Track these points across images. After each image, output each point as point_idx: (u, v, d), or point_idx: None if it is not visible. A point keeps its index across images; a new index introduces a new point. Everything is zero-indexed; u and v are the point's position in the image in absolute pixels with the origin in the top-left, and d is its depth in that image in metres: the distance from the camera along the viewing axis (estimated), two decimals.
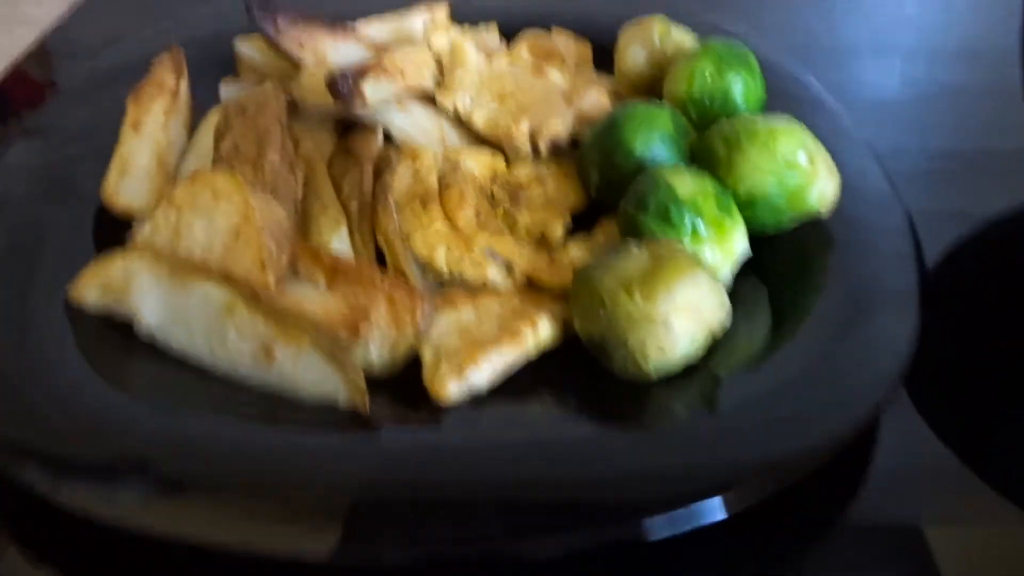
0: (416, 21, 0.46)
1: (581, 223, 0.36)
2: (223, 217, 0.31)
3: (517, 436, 0.27)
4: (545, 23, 0.47)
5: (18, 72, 0.51)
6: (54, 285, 0.31)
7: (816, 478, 0.26)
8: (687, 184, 0.31)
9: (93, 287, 0.31)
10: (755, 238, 0.32)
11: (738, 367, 0.29)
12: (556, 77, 0.42)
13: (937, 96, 0.48)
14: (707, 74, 0.37)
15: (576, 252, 0.34)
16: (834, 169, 0.33)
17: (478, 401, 0.28)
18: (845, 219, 0.34)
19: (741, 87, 0.37)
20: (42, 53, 0.53)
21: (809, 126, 0.34)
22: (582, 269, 0.29)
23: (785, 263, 0.33)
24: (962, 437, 0.30)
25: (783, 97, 0.40)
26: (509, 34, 0.46)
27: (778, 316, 0.31)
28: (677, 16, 0.42)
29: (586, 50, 0.47)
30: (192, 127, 0.41)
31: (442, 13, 0.47)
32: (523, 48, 0.45)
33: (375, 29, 0.45)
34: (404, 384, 0.29)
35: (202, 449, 0.27)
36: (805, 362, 0.28)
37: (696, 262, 0.28)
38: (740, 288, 0.32)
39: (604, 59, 0.43)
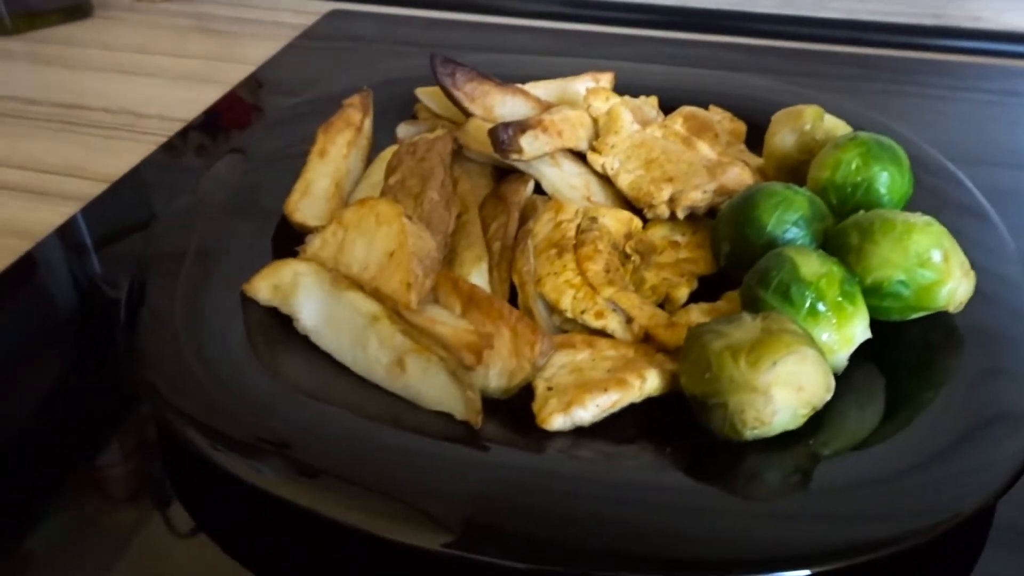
0: (581, 86, 0.50)
1: (706, 291, 0.37)
2: (382, 240, 0.35)
3: (610, 473, 0.28)
4: (705, 101, 0.49)
5: (232, 97, 0.59)
6: (232, 281, 0.36)
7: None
8: (812, 265, 0.32)
9: (265, 286, 0.35)
10: (878, 323, 0.33)
11: (838, 448, 0.29)
12: (705, 150, 0.44)
13: None
14: (853, 164, 0.37)
15: (696, 316, 0.35)
16: (969, 271, 0.33)
17: (579, 432, 0.30)
18: (975, 321, 0.33)
19: (886, 179, 0.37)
20: (253, 84, 0.61)
21: (955, 225, 0.34)
22: (695, 328, 0.31)
23: (906, 353, 0.33)
24: None
25: (933, 194, 0.40)
26: (668, 109, 0.49)
27: (890, 406, 0.31)
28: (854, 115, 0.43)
29: (740, 128, 0.48)
30: (369, 160, 0.46)
31: (606, 80, 0.50)
32: (678, 120, 0.47)
33: (542, 90, 0.49)
34: (514, 407, 0.31)
35: (333, 440, 0.30)
36: (906, 458, 0.28)
37: (806, 340, 0.29)
38: (856, 371, 0.32)
39: (757, 140, 0.45)
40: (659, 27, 0.69)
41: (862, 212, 0.35)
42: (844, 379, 0.32)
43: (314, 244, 0.37)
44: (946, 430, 0.30)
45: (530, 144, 0.41)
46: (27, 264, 0.43)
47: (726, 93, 0.50)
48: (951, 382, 0.32)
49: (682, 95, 0.50)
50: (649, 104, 0.49)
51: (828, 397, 0.29)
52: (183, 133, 0.54)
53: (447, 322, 0.32)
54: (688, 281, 0.37)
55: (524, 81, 0.49)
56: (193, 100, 0.58)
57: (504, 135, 0.40)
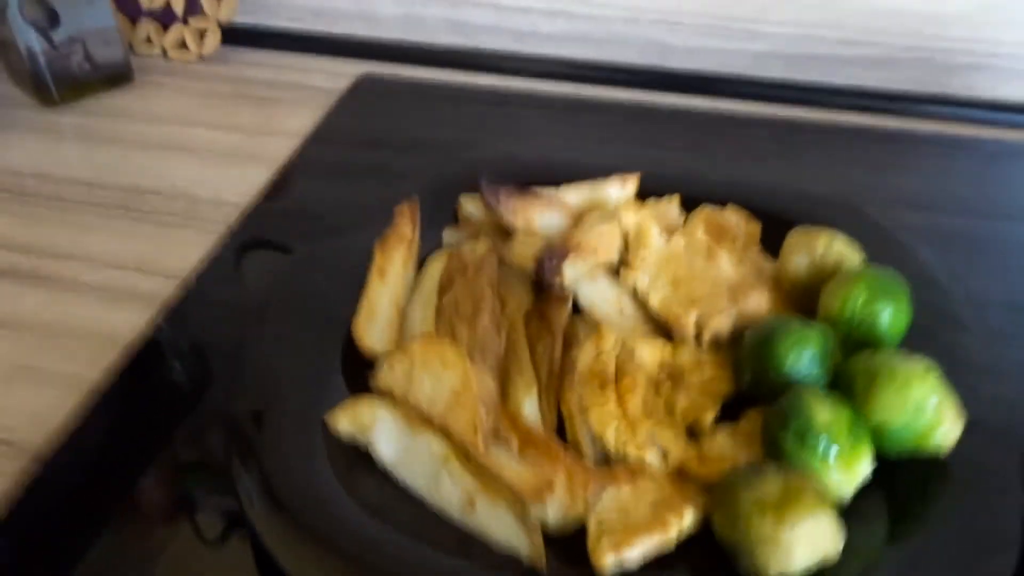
0: (609, 189, 0.54)
1: (728, 407, 0.43)
2: (448, 381, 0.40)
3: None
4: (723, 199, 0.54)
5: (280, 183, 0.63)
6: (315, 410, 0.41)
7: None
8: (825, 413, 0.37)
9: (346, 420, 0.40)
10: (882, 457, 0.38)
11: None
12: (725, 263, 0.49)
13: None
14: (859, 301, 0.42)
15: (723, 440, 0.40)
16: (959, 415, 0.38)
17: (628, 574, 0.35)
18: (964, 457, 0.39)
19: (888, 317, 0.42)
20: (298, 169, 0.65)
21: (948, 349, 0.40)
22: (726, 480, 0.36)
23: (904, 485, 0.39)
24: None
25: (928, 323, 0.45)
26: (690, 204, 0.54)
27: (893, 535, 0.37)
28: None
29: (755, 230, 0.53)
30: (418, 263, 0.51)
31: (632, 184, 0.55)
32: (699, 225, 0.52)
33: (574, 195, 0.54)
34: (572, 544, 0.36)
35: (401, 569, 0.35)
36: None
37: (821, 500, 0.34)
38: (862, 501, 0.38)
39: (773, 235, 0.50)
40: (653, 88, 0.74)
41: (868, 354, 0.40)
42: (852, 508, 0.37)
43: (383, 372, 0.42)
44: (940, 552, 0.35)
45: (572, 270, 0.46)
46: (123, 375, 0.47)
47: (740, 194, 0.55)
48: (945, 510, 0.37)
49: (701, 193, 0.54)
50: (672, 204, 0.54)
51: (839, 549, 0.34)
52: (240, 225, 0.58)
53: (510, 464, 0.37)
54: (714, 404, 0.42)
55: (557, 184, 0.53)
56: (243, 180, 0.62)
57: (548, 266, 0.45)
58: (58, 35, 0.69)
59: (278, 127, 0.69)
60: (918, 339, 0.43)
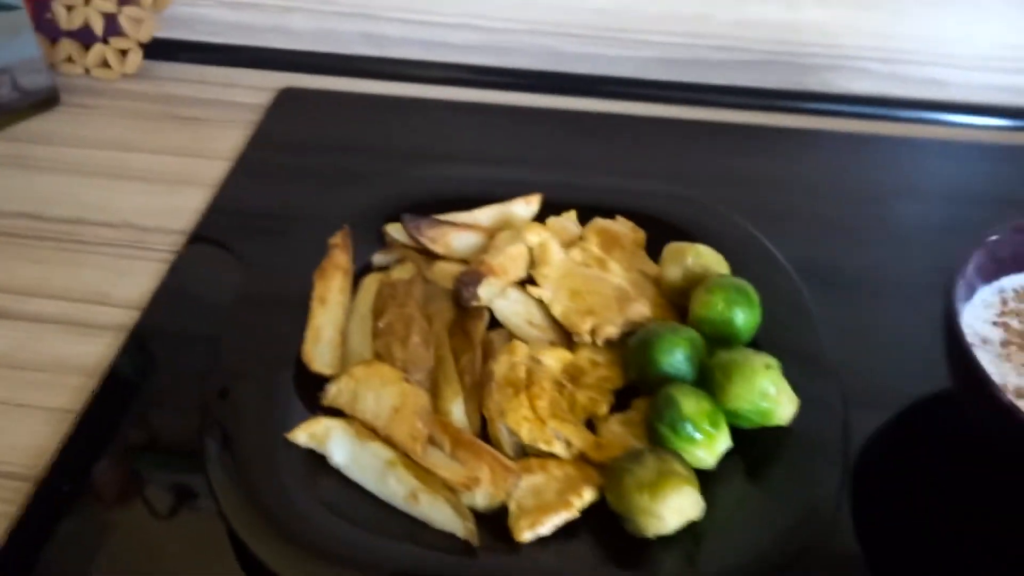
0: (516, 207, 0.63)
1: (620, 396, 0.52)
2: (388, 398, 0.48)
3: (566, 566, 0.44)
4: (612, 211, 0.63)
5: (217, 209, 0.69)
6: (276, 428, 0.49)
7: None
8: (690, 405, 0.47)
9: (304, 435, 0.48)
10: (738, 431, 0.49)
11: (707, 530, 0.45)
12: (616, 270, 0.58)
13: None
14: (719, 306, 0.52)
15: (616, 427, 0.50)
16: (793, 398, 0.49)
17: (543, 540, 0.45)
18: (798, 430, 0.50)
19: (742, 318, 0.52)
20: (232, 192, 0.70)
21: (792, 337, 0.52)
22: (614, 464, 0.46)
23: (755, 450, 0.49)
24: None
25: (781, 320, 0.56)
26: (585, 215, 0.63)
27: (745, 491, 0.48)
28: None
29: (641, 238, 0.63)
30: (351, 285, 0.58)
31: (536, 202, 0.63)
32: (593, 237, 0.61)
33: (485, 216, 0.62)
34: (498, 520, 0.46)
35: (359, 555, 0.44)
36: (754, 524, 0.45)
37: (685, 479, 0.44)
38: (725, 464, 0.48)
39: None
40: (550, 92, 0.82)
41: (724, 352, 0.50)
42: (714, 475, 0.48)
43: (332, 392, 0.50)
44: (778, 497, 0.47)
45: (486, 291, 0.54)
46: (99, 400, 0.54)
47: (629, 205, 0.64)
48: (782, 469, 0.48)
49: (594, 207, 0.64)
50: (570, 219, 0.63)
51: (701, 513, 0.45)
52: (186, 251, 0.64)
53: (445, 464, 0.46)
54: (607, 399, 0.52)
55: (469, 207, 0.62)
56: (183, 208, 0.68)
57: (466, 292, 0.53)
58: None
59: (208, 148, 0.74)
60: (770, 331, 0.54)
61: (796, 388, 0.50)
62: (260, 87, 0.82)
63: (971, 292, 0.53)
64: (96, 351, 0.57)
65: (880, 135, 0.79)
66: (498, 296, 0.56)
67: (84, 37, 0.81)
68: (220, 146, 0.74)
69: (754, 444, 0.49)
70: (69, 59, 0.82)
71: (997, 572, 0.47)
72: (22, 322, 0.59)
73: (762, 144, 0.77)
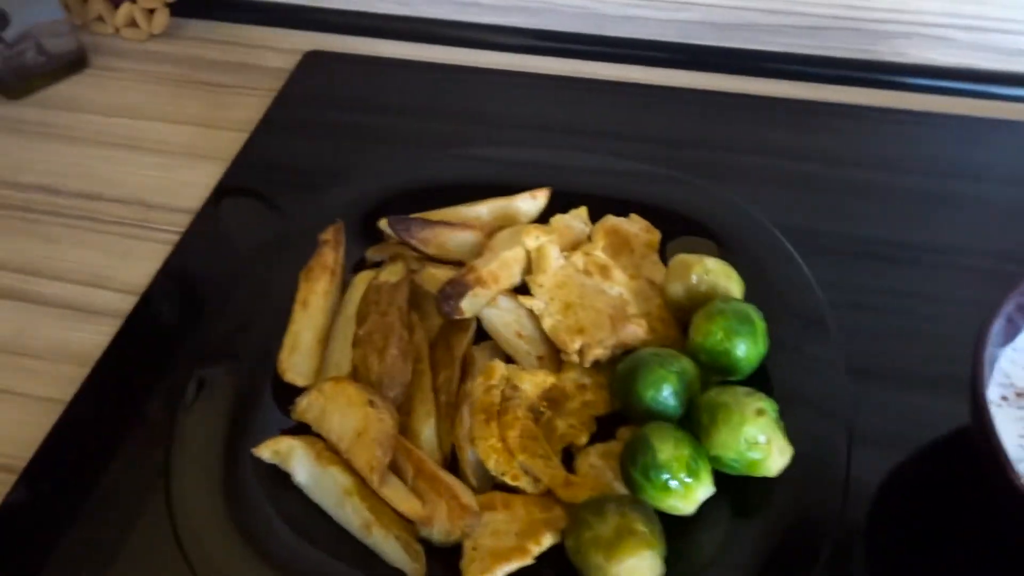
0: (522, 202, 0.59)
1: (608, 424, 0.49)
2: (352, 419, 0.46)
3: None
4: (627, 209, 0.58)
5: (225, 187, 0.67)
6: (245, 442, 0.48)
7: None
8: (667, 451, 0.44)
9: (268, 451, 0.47)
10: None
11: None
12: (619, 279, 0.54)
13: None
14: (719, 335, 0.48)
15: (594, 459, 0.47)
16: (786, 449, 0.44)
17: None
18: (789, 480, 0.45)
19: (744, 350, 0.47)
20: (242, 171, 0.69)
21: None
22: (576, 514, 0.43)
23: (741, 498, 0.45)
24: None
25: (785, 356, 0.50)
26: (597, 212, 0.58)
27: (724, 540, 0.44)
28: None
29: (655, 240, 0.58)
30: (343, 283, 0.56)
31: (543, 198, 0.59)
32: (600, 239, 0.56)
33: (486, 210, 0.58)
34: (452, 556, 0.44)
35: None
36: None
37: (646, 542, 0.41)
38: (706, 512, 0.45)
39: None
40: (588, 57, 0.76)
41: (716, 392, 0.46)
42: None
43: (301, 406, 0.49)
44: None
45: (470, 304, 0.51)
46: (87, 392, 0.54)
47: (644, 201, 0.59)
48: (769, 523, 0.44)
49: (608, 203, 0.59)
50: (578, 216, 0.58)
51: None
52: (190, 232, 0.63)
53: (402, 497, 0.44)
54: (588, 428, 0.49)
55: (471, 201, 0.58)
56: (193, 183, 0.67)
57: (446, 307, 0.50)
58: (9, 34, 0.72)
59: (228, 117, 0.72)
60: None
61: (797, 431, 0.45)
62: (287, 49, 0.79)
63: (1015, 332, 0.46)
64: (93, 339, 0.57)
65: (966, 116, 0.69)
66: (487, 306, 0.53)
67: None
68: (240, 115, 0.72)
69: (742, 489, 0.45)
70: (99, 18, 0.81)
71: None
72: (23, 303, 0.60)
73: (822, 121, 0.69)
